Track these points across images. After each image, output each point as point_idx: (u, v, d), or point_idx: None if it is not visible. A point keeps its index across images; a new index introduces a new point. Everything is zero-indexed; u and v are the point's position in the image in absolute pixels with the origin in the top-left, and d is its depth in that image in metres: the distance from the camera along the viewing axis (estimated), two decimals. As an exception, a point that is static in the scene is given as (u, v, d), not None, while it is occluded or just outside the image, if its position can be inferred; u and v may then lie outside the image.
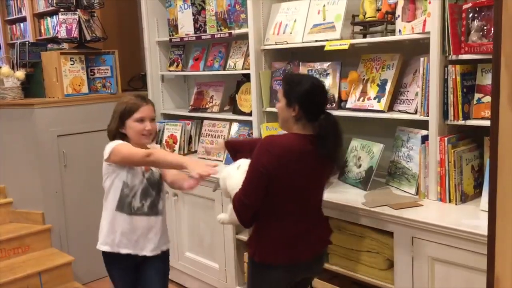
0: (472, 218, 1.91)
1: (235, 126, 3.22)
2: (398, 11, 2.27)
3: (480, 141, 2.16)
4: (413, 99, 2.28)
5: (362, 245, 2.22)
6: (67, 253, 3.32)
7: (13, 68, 3.44)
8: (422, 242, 1.93)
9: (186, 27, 3.38)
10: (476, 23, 1.97)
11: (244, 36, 3.06)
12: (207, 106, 3.43)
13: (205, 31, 3.27)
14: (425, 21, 2.09)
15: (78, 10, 3.40)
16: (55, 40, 4.00)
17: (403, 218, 1.98)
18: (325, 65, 2.67)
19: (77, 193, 3.45)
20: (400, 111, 2.33)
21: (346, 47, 2.41)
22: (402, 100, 2.35)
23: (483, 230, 1.74)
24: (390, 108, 2.39)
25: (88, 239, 3.46)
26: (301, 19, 2.73)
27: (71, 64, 3.42)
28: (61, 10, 3.51)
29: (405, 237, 1.98)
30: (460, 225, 1.84)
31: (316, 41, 2.59)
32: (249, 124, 3.07)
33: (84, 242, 3.46)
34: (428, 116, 2.12)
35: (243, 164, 1.96)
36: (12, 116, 3.36)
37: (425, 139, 2.16)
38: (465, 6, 1.99)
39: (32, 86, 3.55)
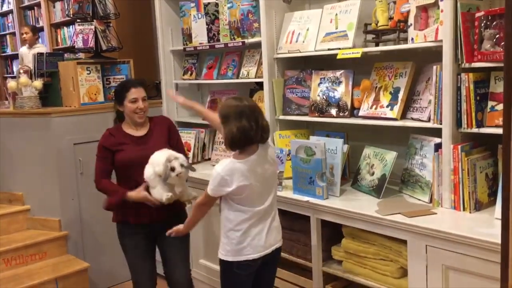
0: (487, 226, 1.90)
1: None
2: (411, 20, 2.28)
3: (494, 149, 2.15)
4: (426, 107, 2.28)
5: (375, 253, 2.22)
6: (83, 259, 3.37)
7: (31, 78, 3.51)
8: (436, 250, 1.93)
9: (200, 36, 3.42)
10: (488, 31, 1.97)
11: (257, 45, 3.08)
12: (220, 114, 3.45)
13: (218, 40, 3.30)
14: (437, 29, 2.09)
15: (94, 20, 3.47)
16: (72, 50, 4.08)
17: (416, 227, 1.97)
18: (338, 73, 2.68)
19: (92, 201, 3.48)
20: (413, 119, 2.33)
21: (358, 55, 2.42)
22: (415, 108, 2.36)
23: (498, 238, 1.73)
24: (403, 116, 2.39)
25: (103, 245, 3.52)
26: (314, 27, 2.76)
27: (88, 73, 3.48)
28: (78, 20, 3.58)
29: (418, 245, 1.98)
30: (474, 233, 1.83)
31: (328, 49, 2.61)
32: (262, 132, 3.09)
33: (100, 249, 3.51)
34: (441, 124, 2.12)
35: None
36: (30, 124, 3.43)
37: (438, 147, 2.16)
38: (477, 14, 1.99)
39: (50, 95, 3.63)
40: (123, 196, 2.38)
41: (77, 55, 4.71)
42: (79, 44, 3.49)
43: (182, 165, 2.31)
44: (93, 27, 3.44)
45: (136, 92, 2.47)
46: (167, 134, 2.57)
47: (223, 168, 1.96)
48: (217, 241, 3.03)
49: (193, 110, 2.67)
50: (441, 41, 2.07)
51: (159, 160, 2.29)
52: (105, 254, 3.52)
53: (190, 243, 2.64)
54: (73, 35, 4.45)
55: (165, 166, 2.26)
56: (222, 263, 2.09)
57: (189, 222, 2.24)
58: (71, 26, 5.88)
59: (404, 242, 2.06)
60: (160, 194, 2.31)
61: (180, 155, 2.35)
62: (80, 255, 3.41)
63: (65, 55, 4.08)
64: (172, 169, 2.27)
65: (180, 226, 2.26)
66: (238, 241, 2.01)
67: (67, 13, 5.29)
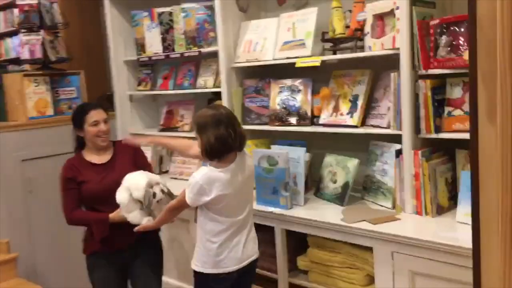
0: (450, 230, 1.94)
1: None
2: (367, 28, 2.31)
3: (451, 154, 2.20)
4: (385, 114, 2.30)
5: (341, 262, 2.21)
6: (34, 282, 3.17)
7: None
8: (402, 256, 1.94)
9: (154, 46, 3.34)
10: (444, 38, 2.02)
11: (214, 54, 3.04)
12: (177, 125, 3.38)
13: (173, 50, 3.23)
14: (394, 37, 2.13)
15: (42, 31, 3.31)
16: (16, 61, 3.88)
17: (382, 233, 1.98)
18: (297, 81, 2.68)
19: (44, 220, 3.31)
20: (373, 126, 2.36)
21: (317, 63, 2.42)
22: (374, 115, 2.38)
23: (462, 242, 1.77)
24: (363, 123, 2.41)
25: (58, 266, 3.34)
26: (271, 36, 2.74)
27: (35, 86, 3.32)
28: (23, 30, 3.40)
29: (385, 252, 1.98)
30: (439, 237, 1.85)
31: (287, 58, 2.60)
32: (221, 142, 3.04)
33: (54, 270, 3.33)
34: (401, 130, 2.14)
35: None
36: (-28, 141, 3.22)
37: (399, 153, 2.19)
38: (432, 22, 2.04)
39: (-7, 110, 3.42)
40: (107, 222, 2.23)
41: (21, 67, 4.49)
42: (26, 55, 3.32)
43: (163, 191, 2.19)
44: (40, 37, 3.28)
45: (96, 114, 2.34)
46: (133, 158, 2.43)
47: (202, 177, 1.89)
48: (176, 256, 2.96)
49: (159, 146, 2.54)
50: (398, 49, 2.10)
51: (138, 184, 2.14)
52: (59, 276, 3.34)
53: (163, 271, 2.53)
54: (19, 45, 4.24)
55: (146, 192, 2.13)
56: (197, 275, 2.01)
57: (158, 223, 2.16)
58: (14, 37, 5.60)
59: (370, 249, 2.06)
60: (139, 219, 2.16)
61: (159, 180, 2.24)
62: (32, 277, 3.21)
63: (9, 67, 3.86)
64: (154, 195, 2.15)
65: (151, 222, 2.16)
66: (215, 252, 1.94)
67: (11, 22, 5.05)
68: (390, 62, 2.31)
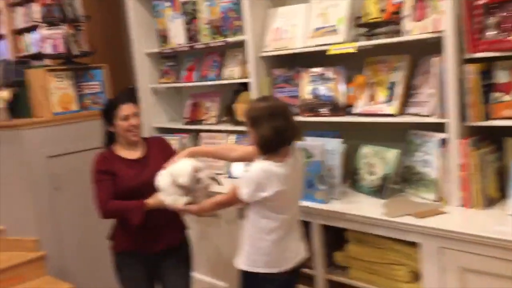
0: (502, 223, 1.82)
1: (234, 137, 3.10)
2: (406, 11, 2.18)
3: (498, 142, 2.07)
4: (426, 101, 2.18)
5: (383, 257, 2.11)
6: (64, 280, 3.14)
7: (-2, 89, 3.26)
8: (451, 252, 1.83)
9: (178, 37, 3.25)
10: (492, 19, 1.89)
11: (240, 44, 2.94)
12: (203, 118, 3.30)
13: (198, 40, 3.14)
14: (437, 19, 2.00)
15: (64, 24, 3.24)
16: (38, 56, 3.84)
17: (428, 228, 1.88)
18: (328, 70, 2.56)
19: (72, 217, 3.28)
20: (412, 114, 2.23)
21: (352, 50, 2.31)
22: (414, 103, 2.26)
23: (517, 236, 1.66)
24: (401, 112, 2.29)
25: (86, 264, 3.31)
26: (301, 23, 2.63)
27: (59, 81, 3.26)
28: (45, 25, 3.34)
29: (432, 247, 1.88)
30: (490, 232, 1.74)
31: (318, 45, 2.49)
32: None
33: (83, 268, 3.31)
34: (445, 118, 2.02)
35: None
36: (-1, 139, 3.19)
37: (443, 142, 2.07)
38: (480, 2, 1.90)
39: (18, 106, 3.37)
40: (144, 208, 2.15)
41: (41, 62, 4.44)
42: (48, 50, 3.26)
43: (209, 177, 2.11)
44: (62, 31, 3.21)
45: (126, 109, 2.26)
46: (165, 155, 2.34)
47: (260, 171, 1.81)
48: (207, 251, 2.89)
49: (199, 156, 2.35)
50: (442, 31, 1.98)
51: (183, 170, 2.06)
52: (88, 273, 3.31)
53: (192, 269, 2.47)
54: (38, 41, 4.20)
55: (191, 176, 2.05)
56: (245, 275, 1.93)
57: (201, 210, 2.06)
58: (33, 32, 5.57)
59: (414, 244, 1.96)
60: (176, 199, 2.09)
61: (204, 166, 2.15)
62: (61, 276, 3.18)
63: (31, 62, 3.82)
64: (198, 181, 2.07)
65: (194, 207, 2.07)
66: (268, 251, 1.86)
67: (30, 18, 5.02)
68: (428, 46, 2.19)
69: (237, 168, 3.02)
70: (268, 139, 1.79)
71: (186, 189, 2.07)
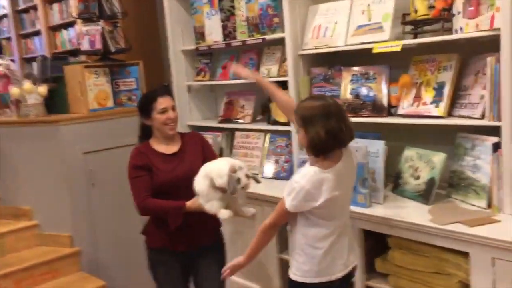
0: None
1: (270, 137, 3.04)
2: (458, 7, 2.08)
3: (555, 147, 1.95)
4: (477, 103, 2.07)
5: (429, 266, 2.01)
6: (97, 277, 3.15)
7: (34, 84, 3.28)
8: (505, 263, 1.72)
9: (214, 34, 3.21)
10: (554, 16, 1.77)
11: (278, 42, 2.88)
12: (238, 117, 3.25)
13: (234, 38, 3.09)
14: (493, 16, 1.89)
15: (101, 21, 3.24)
16: (75, 53, 3.86)
17: (480, 237, 1.77)
18: (371, 69, 2.48)
19: (106, 213, 3.28)
20: (462, 117, 2.13)
21: (398, 48, 2.21)
22: (464, 104, 2.15)
23: None
24: (449, 114, 2.19)
25: (120, 261, 3.31)
26: (343, 20, 2.54)
27: (95, 78, 3.26)
28: (82, 21, 3.36)
29: (484, 258, 1.77)
30: (549, 243, 1.63)
31: (362, 43, 2.40)
32: (286, 134, 2.89)
33: (116, 265, 3.30)
34: (499, 121, 1.91)
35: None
36: (36, 134, 3.22)
37: (496, 146, 1.96)
38: (540, -1, 1.79)
39: (55, 102, 3.39)
40: (183, 210, 2.11)
41: (77, 58, 4.48)
42: (86, 46, 3.27)
43: (247, 176, 2.03)
44: (100, 27, 3.21)
45: (164, 102, 2.24)
46: (201, 150, 2.33)
47: (308, 180, 1.69)
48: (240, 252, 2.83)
49: (262, 87, 2.20)
50: (498, 29, 1.86)
51: (220, 170, 2.00)
52: (121, 270, 3.31)
53: None
54: (75, 37, 4.24)
55: (230, 177, 1.98)
56: (297, 285, 1.83)
57: (253, 251, 1.90)
58: (69, 29, 5.65)
59: (463, 253, 1.85)
60: (216, 208, 2.04)
61: (243, 164, 2.08)
62: (95, 272, 3.19)
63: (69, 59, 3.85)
64: (238, 181, 2.00)
65: (240, 259, 1.95)
66: (320, 259, 1.76)
67: (66, 15, 5.09)
68: (479, 45, 2.09)
69: (269, 168, 2.96)
70: (320, 141, 1.67)
71: (224, 191, 2.02)
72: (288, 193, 1.73)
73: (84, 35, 3.26)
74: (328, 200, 1.69)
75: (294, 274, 1.83)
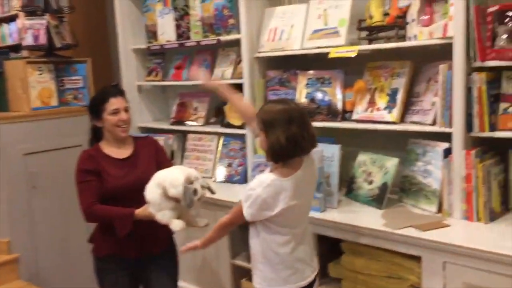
0: (509, 239, 1.75)
1: (224, 140, 2.99)
2: (412, 15, 2.11)
3: (502, 154, 2.02)
4: (429, 110, 2.11)
5: (381, 270, 2.02)
6: (37, 285, 2.96)
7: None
8: (455, 267, 1.76)
9: (167, 34, 3.12)
10: (503, 27, 1.83)
11: (233, 43, 2.84)
12: (191, 119, 3.17)
13: (188, 38, 3.02)
14: (446, 25, 1.93)
15: (47, 14, 3.07)
16: (17, 48, 3.64)
17: (432, 241, 1.80)
18: (327, 73, 2.48)
19: (48, 218, 3.09)
20: (414, 123, 2.16)
21: (354, 53, 2.22)
22: (416, 111, 2.19)
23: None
24: (402, 119, 2.22)
25: (61, 268, 3.13)
26: (299, 24, 2.54)
27: (39, 74, 3.08)
28: (25, 14, 3.16)
29: (435, 262, 1.80)
30: (498, 247, 1.67)
31: (318, 47, 2.40)
32: (240, 138, 2.85)
33: (57, 272, 3.12)
34: (451, 127, 1.96)
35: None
36: (-28, 133, 2.99)
37: (447, 152, 2.00)
38: (491, 9, 1.84)
39: (-7, 99, 3.18)
40: (133, 218, 2.00)
41: (19, 54, 4.23)
42: (29, 41, 3.08)
43: (203, 187, 1.93)
44: (45, 21, 3.03)
45: (116, 102, 2.12)
46: (154, 155, 2.21)
47: (265, 189, 1.62)
48: (191, 258, 2.75)
49: (217, 92, 2.09)
50: (450, 38, 1.91)
51: (174, 180, 1.89)
52: (64, 279, 3.13)
53: (178, 276, 2.32)
54: (18, 31, 4.00)
55: (186, 188, 1.87)
56: None
57: (209, 240, 1.87)
58: (11, 23, 5.33)
59: (415, 257, 1.88)
60: (168, 218, 1.94)
61: (198, 174, 1.99)
62: (35, 280, 2.99)
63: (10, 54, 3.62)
64: (195, 192, 1.89)
65: (197, 242, 1.89)
66: (282, 267, 1.70)
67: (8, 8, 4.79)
68: (431, 52, 2.13)
69: (221, 172, 2.91)
70: (280, 147, 1.60)
71: (177, 201, 1.92)
72: (245, 200, 1.67)
73: (27, 29, 3.07)
74: (285, 209, 1.63)
75: (260, 284, 1.75)
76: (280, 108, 1.64)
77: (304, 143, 1.63)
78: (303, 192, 1.69)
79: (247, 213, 1.66)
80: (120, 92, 2.18)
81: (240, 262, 2.57)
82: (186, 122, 3.17)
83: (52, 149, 3.11)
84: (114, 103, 2.11)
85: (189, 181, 1.89)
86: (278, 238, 1.69)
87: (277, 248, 1.70)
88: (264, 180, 1.64)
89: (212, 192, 2.01)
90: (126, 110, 2.16)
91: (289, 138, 1.59)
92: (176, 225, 1.94)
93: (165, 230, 2.10)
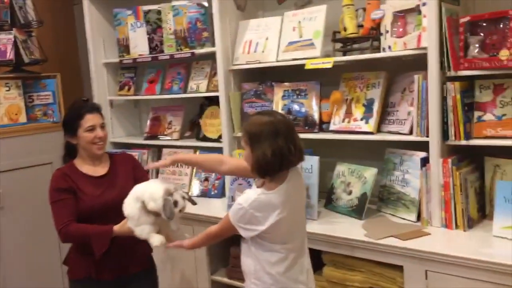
0: (488, 245, 1.78)
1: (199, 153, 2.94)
2: (386, 27, 2.14)
3: (478, 162, 2.06)
4: (405, 119, 2.14)
5: (363, 281, 2.01)
6: (5, 312, 2.83)
7: None
8: (437, 275, 1.76)
9: (140, 47, 3.07)
10: (474, 37, 1.87)
11: (207, 56, 2.82)
12: (165, 133, 3.12)
13: (161, 51, 2.98)
14: (420, 36, 1.96)
15: (14, 29, 2.98)
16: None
17: (414, 250, 1.80)
18: (303, 85, 2.48)
19: (17, 240, 2.96)
20: (391, 132, 2.18)
21: (330, 65, 2.24)
22: (392, 121, 2.21)
23: (503, 258, 1.62)
24: (379, 129, 2.24)
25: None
26: (274, 36, 2.54)
27: (7, 90, 2.97)
28: (-8, 29, 3.06)
29: (417, 271, 1.80)
30: (479, 254, 1.69)
31: (294, 59, 2.40)
32: (217, 151, 2.80)
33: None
34: (427, 136, 1.98)
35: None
36: None
37: (424, 161, 2.02)
38: (462, 20, 1.88)
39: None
40: (110, 235, 1.92)
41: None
42: (-5, 56, 2.98)
43: (183, 198, 1.88)
44: (12, 36, 2.94)
45: (92, 119, 2.06)
46: (132, 172, 2.15)
47: (252, 203, 1.58)
48: (185, 281, 2.68)
49: (183, 164, 2.13)
50: (424, 48, 1.94)
51: (153, 193, 1.82)
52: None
53: None
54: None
55: (165, 201, 1.81)
56: None
57: (195, 245, 1.84)
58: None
59: (397, 267, 1.88)
60: (147, 233, 1.87)
61: (177, 186, 1.94)
62: (2, 306, 2.86)
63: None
64: (175, 203, 1.84)
65: (186, 242, 1.85)
66: (279, 287, 1.65)
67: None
68: (405, 63, 2.17)
69: (198, 186, 2.86)
70: (266, 162, 1.56)
71: (157, 214, 1.87)
72: (234, 216, 1.64)
73: (-7, 44, 2.96)
74: (276, 222, 1.59)
75: None
76: (266, 120, 1.61)
77: (291, 156, 1.59)
78: (292, 204, 1.65)
79: (241, 231, 1.63)
80: (96, 108, 2.12)
81: (219, 278, 2.52)
82: (160, 137, 3.12)
83: (21, 167, 3.00)
84: (90, 119, 2.05)
85: (168, 193, 1.84)
86: (271, 256, 1.65)
87: (270, 268, 1.65)
88: (251, 196, 1.61)
89: (193, 203, 1.96)
90: (102, 126, 2.10)
91: (275, 152, 1.56)
92: (156, 240, 1.88)
93: (144, 247, 2.04)
